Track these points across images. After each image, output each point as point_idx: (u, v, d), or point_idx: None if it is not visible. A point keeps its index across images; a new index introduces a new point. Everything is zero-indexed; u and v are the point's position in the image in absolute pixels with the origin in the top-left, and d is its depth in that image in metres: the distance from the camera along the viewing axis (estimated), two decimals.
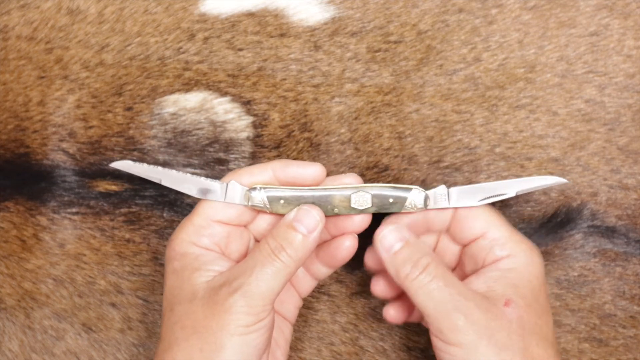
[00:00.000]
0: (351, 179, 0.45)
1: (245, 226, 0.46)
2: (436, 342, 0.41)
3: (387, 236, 0.43)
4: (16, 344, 0.52)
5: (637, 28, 0.50)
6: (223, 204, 0.44)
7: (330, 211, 0.44)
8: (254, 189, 0.44)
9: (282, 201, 0.44)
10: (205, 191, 0.44)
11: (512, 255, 0.43)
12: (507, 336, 0.40)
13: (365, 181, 0.50)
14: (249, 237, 0.46)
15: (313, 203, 0.44)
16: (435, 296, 0.40)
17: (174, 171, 0.45)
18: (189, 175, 0.45)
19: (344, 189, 0.44)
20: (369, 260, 0.47)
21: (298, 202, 0.44)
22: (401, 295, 0.47)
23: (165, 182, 0.45)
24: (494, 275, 0.42)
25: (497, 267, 0.43)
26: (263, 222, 0.46)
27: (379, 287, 0.47)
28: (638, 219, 0.49)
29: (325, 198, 0.44)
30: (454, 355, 0.40)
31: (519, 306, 0.41)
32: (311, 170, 0.44)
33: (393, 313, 0.47)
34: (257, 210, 0.45)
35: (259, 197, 0.44)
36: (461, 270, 0.46)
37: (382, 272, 0.46)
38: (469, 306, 0.40)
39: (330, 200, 0.44)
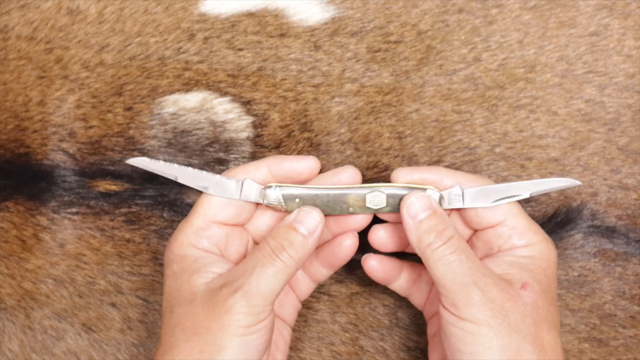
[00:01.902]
0: (349, 172, 0.45)
1: (243, 226, 0.46)
2: (446, 315, 0.41)
3: (415, 203, 0.43)
4: (16, 344, 0.52)
5: (637, 28, 0.50)
6: (221, 204, 0.44)
7: (345, 210, 0.44)
8: (270, 187, 0.44)
9: (297, 200, 0.44)
10: (221, 189, 0.44)
11: (530, 245, 0.43)
12: (520, 319, 0.40)
13: (365, 181, 0.50)
14: (248, 238, 0.46)
15: (328, 202, 0.44)
16: (454, 268, 0.40)
17: (189, 168, 0.45)
18: (204, 172, 0.45)
19: (359, 189, 0.44)
20: (375, 235, 0.46)
21: (314, 200, 0.44)
22: (391, 256, 0.47)
23: (181, 179, 0.45)
24: (510, 259, 0.43)
25: (513, 253, 0.43)
26: (262, 223, 0.46)
27: (378, 234, 0.46)
28: (638, 219, 0.49)
29: (340, 197, 0.44)
30: (464, 329, 0.40)
31: (534, 291, 0.41)
32: (305, 163, 0.44)
33: (374, 264, 0.47)
34: (273, 208, 0.45)
35: (274, 196, 0.44)
36: None
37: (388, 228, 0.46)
38: (487, 282, 0.40)
39: (345, 199, 0.44)
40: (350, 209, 0.44)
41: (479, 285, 0.40)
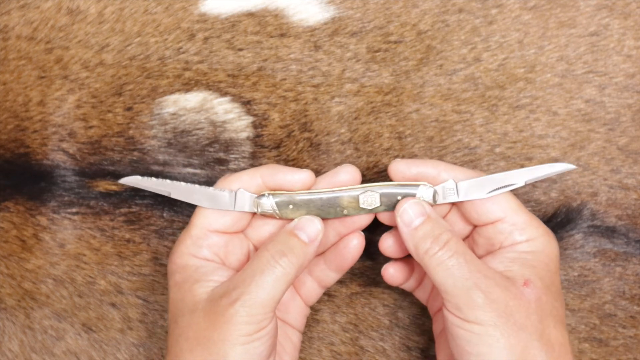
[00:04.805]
0: (347, 172, 0.44)
1: (242, 232, 0.46)
2: (452, 318, 0.40)
3: (408, 210, 0.43)
4: (16, 344, 0.52)
5: (637, 28, 0.50)
6: (217, 213, 0.44)
7: (339, 213, 0.44)
8: (263, 195, 0.44)
9: (291, 206, 0.44)
10: (214, 201, 0.44)
11: (531, 240, 0.43)
12: (525, 316, 0.40)
13: (366, 181, 0.50)
14: (248, 245, 0.46)
15: (322, 206, 0.44)
16: (454, 273, 0.40)
17: (182, 183, 0.45)
18: (197, 186, 0.45)
19: (352, 190, 0.44)
20: (384, 244, 0.46)
21: (307, 205, 0.44)
22: (405, 258, 0.47)
23: (174, 195, 0.45)
24: (512, 256, 0.42)
25: (514, 249, 0.43)
26: (261, 230, 0.46)
27: (387, 244, 0.46)
28: (638, 219, 0.49)
29: (333, 200, 0.44)
30: (470, 331, 0.40)
31: (537, 287, 0.41)
32: (300, 176, 0.44)
33: (392, 272, 0.47)
34: (268, 216, 0.45)
35: (268, 204, 0.44)
36: (470, 248, 0.46)
37: (395, 235, 0.46)
38: (489, 284, 0.40)
39: (338, 201, 0.44)
40: (345, 211, 0.44)
41: (481, 287, 0.40)
